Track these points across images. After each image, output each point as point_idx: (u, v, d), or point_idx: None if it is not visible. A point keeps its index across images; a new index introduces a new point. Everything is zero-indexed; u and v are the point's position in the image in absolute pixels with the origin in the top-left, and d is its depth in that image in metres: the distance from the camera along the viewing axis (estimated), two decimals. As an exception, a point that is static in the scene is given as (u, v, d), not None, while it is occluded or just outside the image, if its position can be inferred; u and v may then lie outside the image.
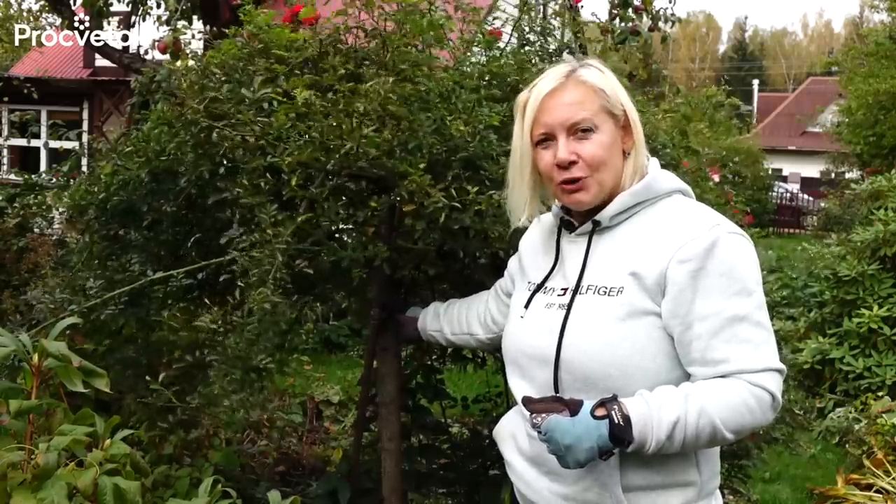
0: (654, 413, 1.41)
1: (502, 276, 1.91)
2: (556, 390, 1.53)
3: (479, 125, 1.97)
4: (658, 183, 1.59)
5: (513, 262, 1.84)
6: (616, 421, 1.41)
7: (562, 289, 1.60)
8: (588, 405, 1.44)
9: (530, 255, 1.75)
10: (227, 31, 2.27)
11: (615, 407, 1.42)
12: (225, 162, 2.04)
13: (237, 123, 1.98)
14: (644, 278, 1.50)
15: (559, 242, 1.67)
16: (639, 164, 1.60)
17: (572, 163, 1.55)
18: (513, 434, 1.70)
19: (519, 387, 1.64)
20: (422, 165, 1.88)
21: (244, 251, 1.87)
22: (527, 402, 1.53)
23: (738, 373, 1.45)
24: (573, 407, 1.45)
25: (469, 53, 2.41)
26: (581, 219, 1.63)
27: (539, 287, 1.65)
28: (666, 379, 1.49)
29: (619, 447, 1.42)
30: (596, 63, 1.63)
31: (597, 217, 1.58)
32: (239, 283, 1.86)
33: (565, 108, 1.56)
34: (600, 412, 1.42)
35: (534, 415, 1.49)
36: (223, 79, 2.09)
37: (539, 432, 1.47)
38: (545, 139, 1.58)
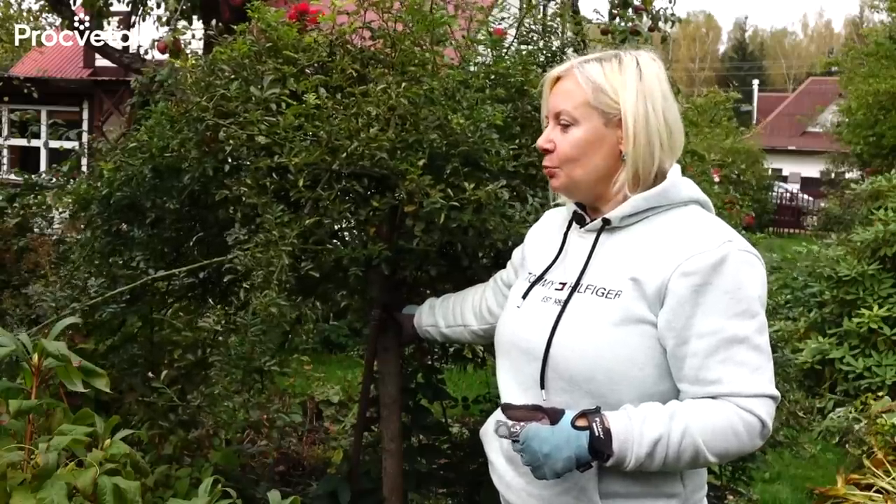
0: (636, 429, 1.39)
1: (504, 275, 1.91)
2: (542, 386, 1.51)
3: (482, 123, 1.97)
4: (675, 189, 1.55)
5: (517, 253, 1.82)
6: (597, 433, 1.39)
7: (560, 283, 1.58)
8: (569, 415, 1.42)
9: (535, 246, 1.74)
10: (233, 27, 2.26)
11: (597, 419, 1.40)
12: (229, 160, 2.04)
13: (244, 122, 1.97)
14: (644, 285, 1.46)
15: (567, 235, 1.65)
16: (643, 169, 1.54)
17: (546, 150, 1.59)
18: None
19: (505, 381, 1.63)
20: (421, 162, 1.89)
21: (248, 251, 1.87)
22: (506, 408, 1.51)
23: (729, 395, 1.42)
24: (553, 416, 1.43)
25: (475, 52, 2.41)
26: (594, 215, 1.61)
27: (539, 279, 1.64)
28: (652, 390, 1.46)
29: (598, 460, 1.41)
30: (627, 58, 1.55)
31: (607, 215, 1.56)
32: (244, 286, 1.85)
33: (556, 96, 1.59)
34: (581, 423, 1.41)
35: (513, 423, 1.46)
36: (231, 76, 2.09)
37: (516, 441, 1.44)
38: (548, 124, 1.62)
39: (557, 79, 1.60)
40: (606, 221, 1.56)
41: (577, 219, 1.64)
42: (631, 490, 1.48)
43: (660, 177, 1.56)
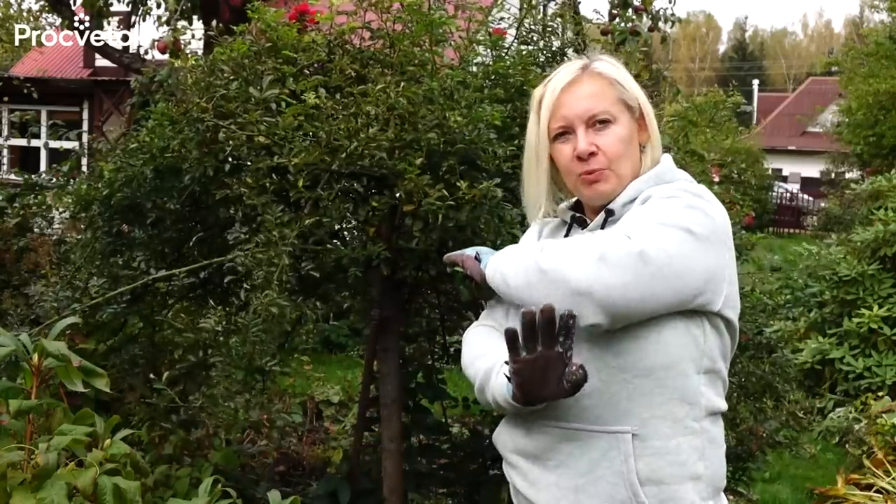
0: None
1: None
2: None
3: (480, 123, 1.97)
4: (670, 174, 1.59)
5: None
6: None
7: None
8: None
9: None
10: (233, 27, 2.26)
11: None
12: (229, 160, 2.04)
13: (244, 122, 1.98)
14: None
15: (568, 236, 1.65)
16: (655, 158, 1.61)
17: (592, 154, 1.55)
18: (512, 436, 1.68)
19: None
20: (419, 161, 1.89)
21: (248, 251, 1.87)
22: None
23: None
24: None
25: (474, 52, 2.41)
26: (594, 215, 1.61)
27: None
28: (645, 375, 1.45)
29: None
30: (608, 58, 1.64)
31: (609, 206, 1.57)
32: (245, 286, 1.85)
33: (583, 100, 1.57)
34: None
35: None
36: (231, 77, 2.09)
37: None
38: (563, 133, 1.58)
39: (566, 88, 1.59)
40: (610, 213, 1.57)
41: (578, 222, 1.65)
42: (664, 473, 1.47)
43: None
